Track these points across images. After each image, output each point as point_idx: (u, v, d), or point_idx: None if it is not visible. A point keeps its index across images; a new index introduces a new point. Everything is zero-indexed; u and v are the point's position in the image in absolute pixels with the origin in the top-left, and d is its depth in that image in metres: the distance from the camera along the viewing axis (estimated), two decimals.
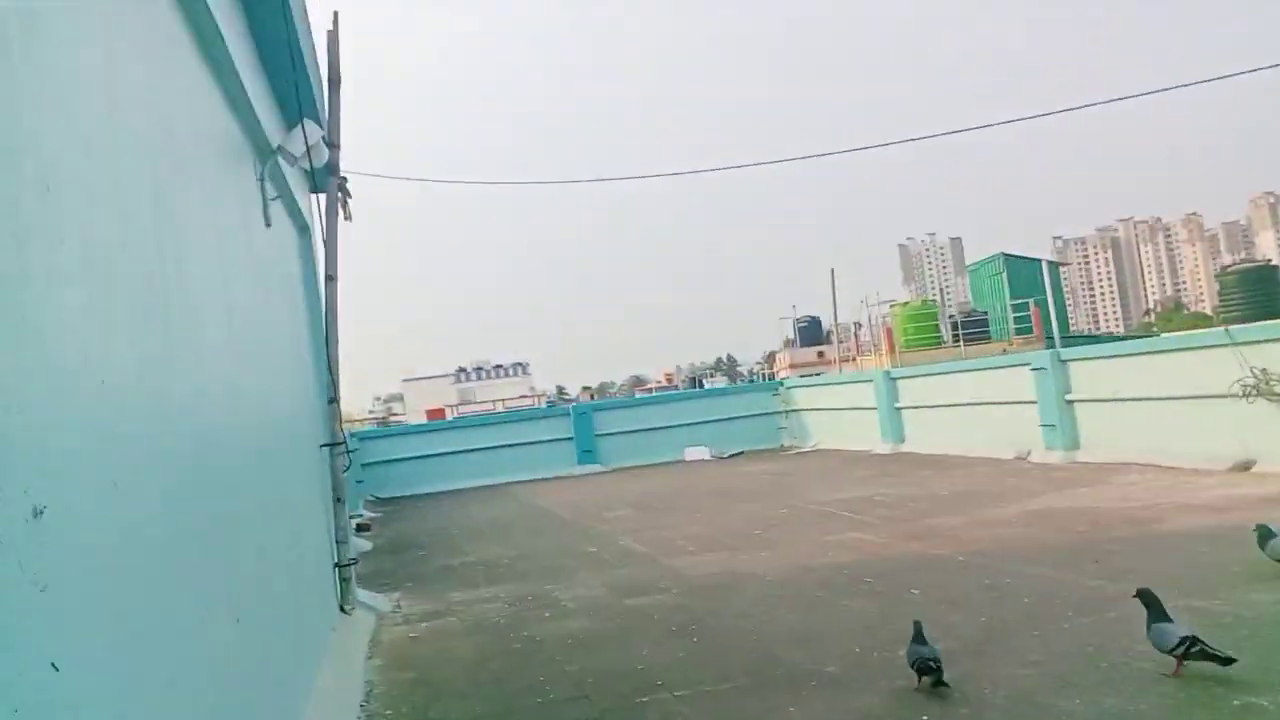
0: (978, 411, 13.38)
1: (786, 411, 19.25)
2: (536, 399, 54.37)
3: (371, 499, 16.09)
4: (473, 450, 17.65)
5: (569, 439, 18.16)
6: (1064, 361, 11.82)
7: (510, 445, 17.86)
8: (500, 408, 49.10)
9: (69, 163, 1.89)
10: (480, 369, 75.77)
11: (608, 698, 4.28)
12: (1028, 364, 12.38)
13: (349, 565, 6.53)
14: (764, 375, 51.13)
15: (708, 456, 17.83)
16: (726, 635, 5.16)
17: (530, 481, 16.60)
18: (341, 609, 6.36)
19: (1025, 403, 12.15)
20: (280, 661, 3.86)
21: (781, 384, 20.60)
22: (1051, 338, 21.17)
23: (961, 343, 24.17)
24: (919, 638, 3.97)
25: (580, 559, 8.18)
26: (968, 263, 34.68)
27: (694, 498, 11.92)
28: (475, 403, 54.89)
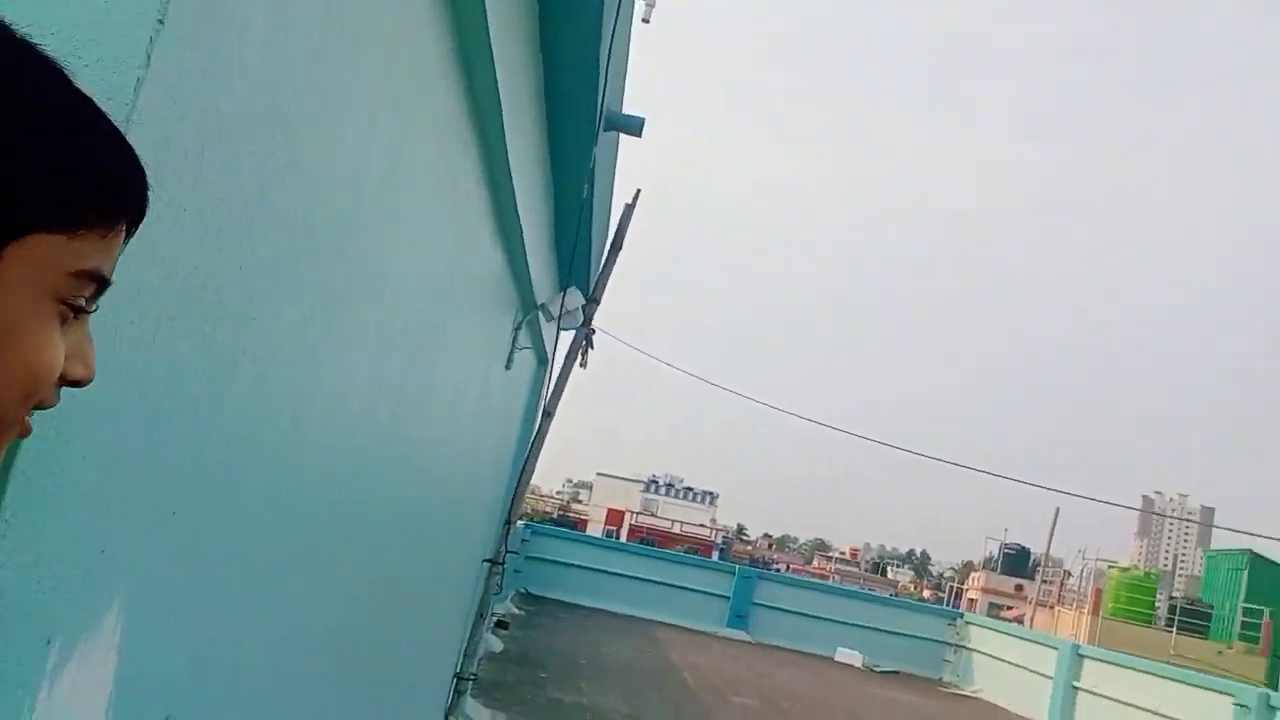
0: None
1: (957, 646, 18.15)
2: (715, 532, 54.04)
3: (522, 593, 16.57)
4: (633, 578, 17.82)
5: (725, 597, 17.98)
6: (1273, 709, 10.55)
7: (669, 585, 17.90)
8: (677, 529, 49.19)
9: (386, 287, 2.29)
10: (671, 485, 76.39)
11: None
12: (1231, 696, 11.14)
13: (468, 679, 6.87)
14: (953, 588, 48.35)
15: (859, 664, 17.07)
16: None
17: (674, 627, 16.53)
18: (446, 718, 6.68)
19: None
20: None
21: (962, 615, 19.49)
22: (1278, 658, 18.85)
23: (1175, 631, 21.97)
24: None
25: None
26: (1212, 545, 31.60)
27: (828, 714, 11.47)
28: (655, 515, 55.32)
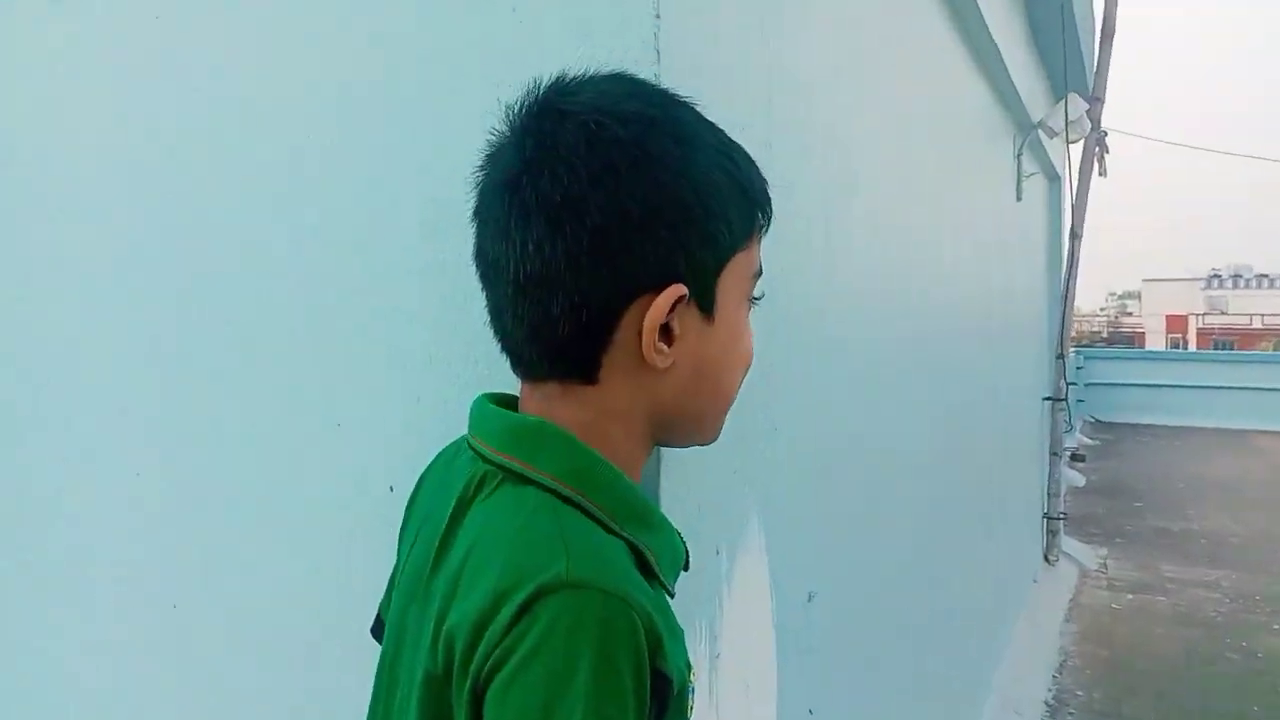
0: None
1: None
2: None
3: (1091, 421, 15.61)
4: (1213, 388, 15.78)
5: None
6: None
7: (1261, 389, 15.52)
8: (1258, 323, 42.36)
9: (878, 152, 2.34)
10: (1239, 276, 64.75)
11: None
12: None
13: (1058, 519, 6.70)
14: None
15: None
16: None
17: (1275, 434, 14.36)
18: (1046, 558, 6.60)
19: None
20: (985, 610, 4.27)
21: None
22: None
23: None
24: None
25: None
26: None
27: None
28: (1225, 314, 48.07)
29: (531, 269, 0.72)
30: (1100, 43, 6.33)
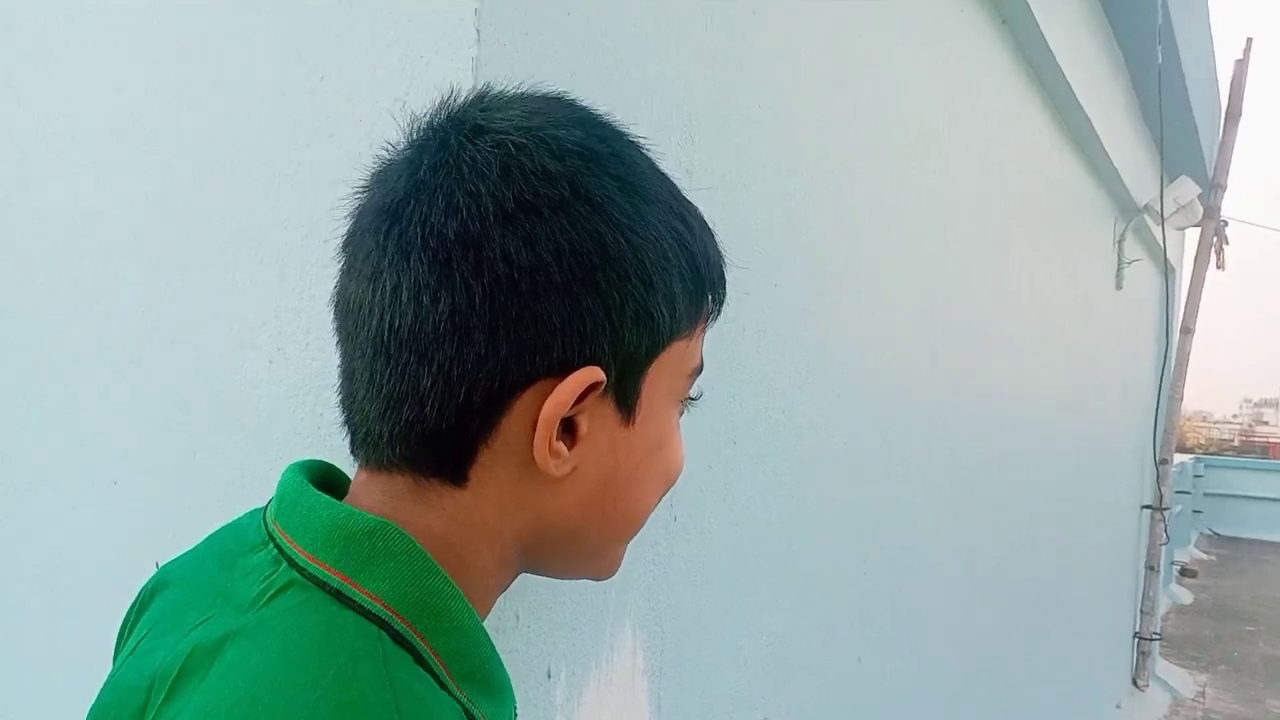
0: None
1: None
2: None
3: (1209, 534, 14.49)
4: None
5: None
6: None
7: None
8: None
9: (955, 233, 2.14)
10: None
11: None
12: None
13: (1151, 639, 6.09)
14: None
15: None
16: None
17: None
18: (1134, 682, 5.99)
19: None
20: None
21: None
22: None
23: None
24: None
25: None
26: None
27: None
28: None
29: (401, 324, 0.53)
30: (1225, 124, 5.90)
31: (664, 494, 0.66)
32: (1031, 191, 3.32)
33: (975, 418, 2.64)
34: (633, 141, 0.60)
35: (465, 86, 0.61)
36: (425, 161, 0.55)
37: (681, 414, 0.66)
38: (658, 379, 0.60)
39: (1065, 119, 3.63)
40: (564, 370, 0.54)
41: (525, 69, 0.80)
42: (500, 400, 0.54)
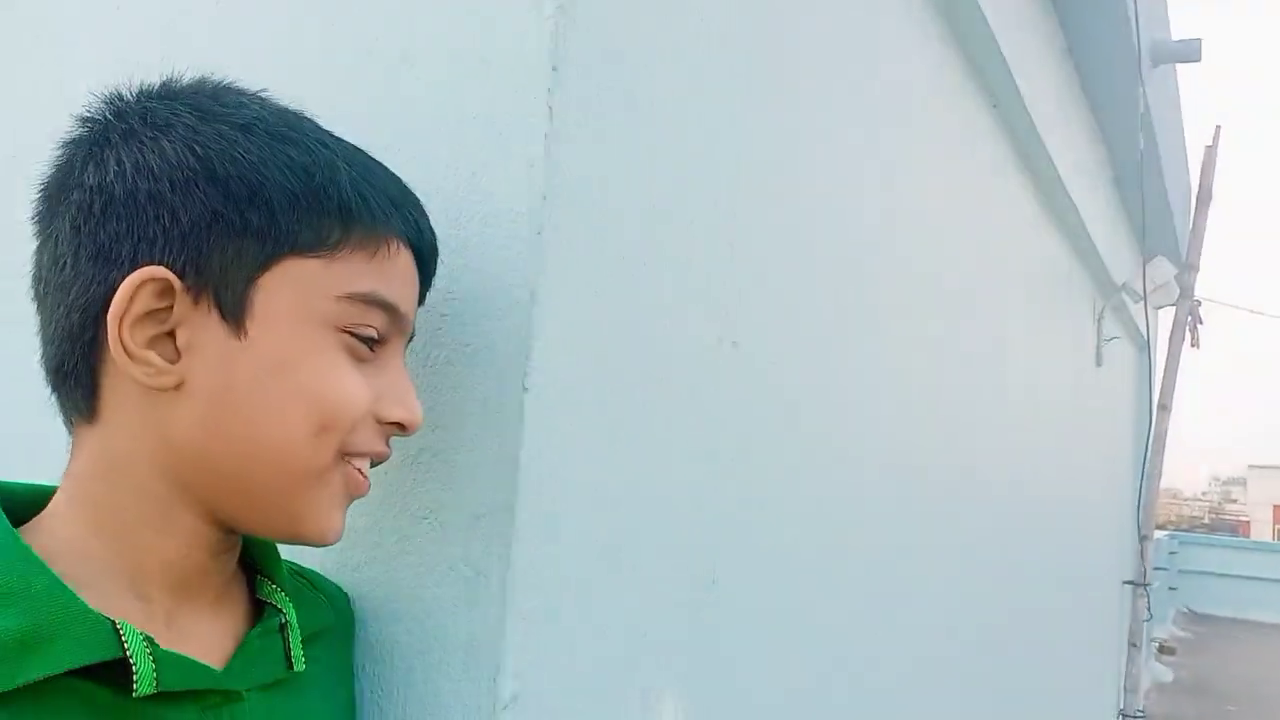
0: None
1: None
2: None
3: (1185, 611, 14.50)
4: None
5: None
6: None
7: None
8: None
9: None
10: None
11: None
12: None
13: (1135, 718, 6.04)
14: None
15: None
16: None
17: None
18: None
19: None
20: None
21: None
22: None
23: None
24: None
25: None
26: None
27: None
28: None
29: (35, 277, 0.60)
30: (1196, 208, 6.08)
31: (313, 428, 0.59)
32: (1022, 271, 3.39)
33: (965, 496, 2.65)
34: (307, 118, 0.63)
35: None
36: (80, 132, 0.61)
37: (360, 353, 0.62)
38: (278, 293, 0.58)
39: (1051, 201, 3.73)
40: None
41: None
42: (98, 318, 0.56)
